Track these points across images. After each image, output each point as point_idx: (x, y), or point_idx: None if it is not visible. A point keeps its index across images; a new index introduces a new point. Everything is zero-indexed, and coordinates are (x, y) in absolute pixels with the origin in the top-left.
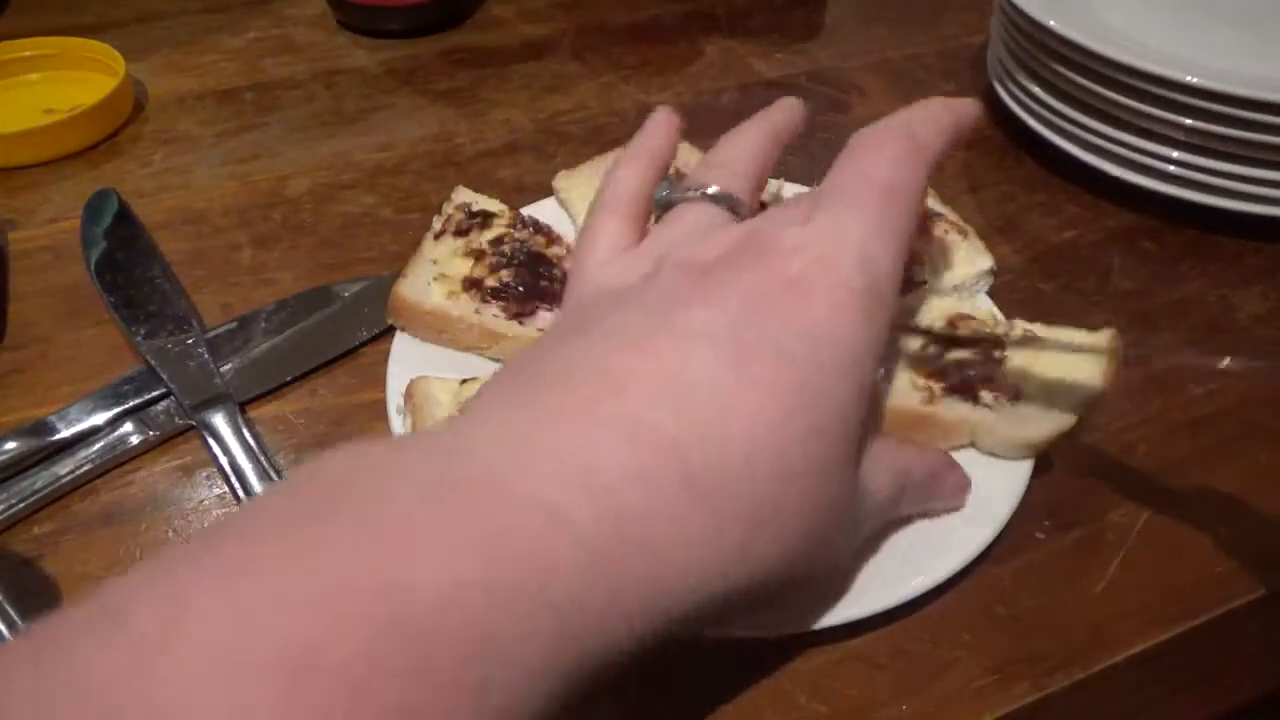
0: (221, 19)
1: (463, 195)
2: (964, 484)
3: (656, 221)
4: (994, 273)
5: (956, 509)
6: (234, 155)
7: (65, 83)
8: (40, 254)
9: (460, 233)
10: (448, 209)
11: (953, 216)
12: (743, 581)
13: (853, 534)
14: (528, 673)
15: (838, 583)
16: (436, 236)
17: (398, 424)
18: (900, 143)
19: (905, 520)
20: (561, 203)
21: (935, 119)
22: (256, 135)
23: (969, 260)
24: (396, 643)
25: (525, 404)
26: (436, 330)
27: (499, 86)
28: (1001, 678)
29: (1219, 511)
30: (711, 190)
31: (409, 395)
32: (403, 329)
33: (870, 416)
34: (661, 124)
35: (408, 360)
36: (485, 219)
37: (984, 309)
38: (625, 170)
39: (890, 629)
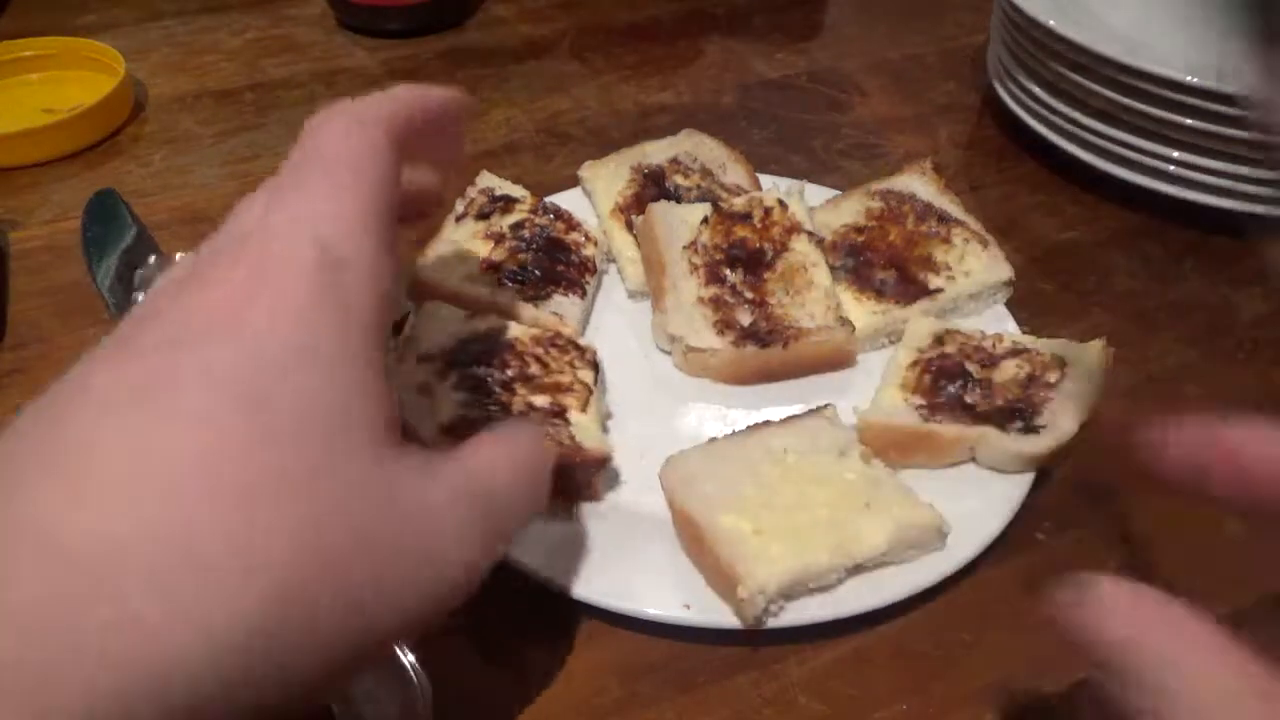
0: (221, 19)
1: (487, 180)
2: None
3: None
4: (1013, 283)
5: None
6: (234, 155)
7: (65, 83)
8: (40, 254)
9: (482, 216)
10: (471, 193)
11: (974, 225)
12: (201, 655)
13: (411, 567)
14: None
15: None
16: (458, 219)
17: None
18: (342, 118)
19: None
20: (585, 191)
21: (384, 96)
22: (256, 135)
23: (988, 270)
24: None
25: None
26: None
27: (499, 86)
28: (1001, 677)
29: (1219, 512)
30: None
31: None
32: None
33: (379, 410)
34: None
35: None
36: (508, 204)
37: (1011, 328)
38: None
39: (890, 629)
